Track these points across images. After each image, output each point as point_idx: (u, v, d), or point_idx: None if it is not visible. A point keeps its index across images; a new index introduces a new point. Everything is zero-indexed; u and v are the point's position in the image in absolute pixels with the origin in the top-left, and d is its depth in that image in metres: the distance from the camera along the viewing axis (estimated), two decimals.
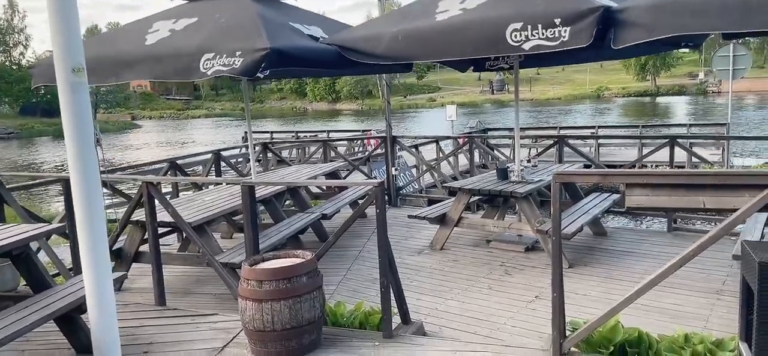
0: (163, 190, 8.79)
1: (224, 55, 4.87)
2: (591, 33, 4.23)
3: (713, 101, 59.69)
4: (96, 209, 3.13)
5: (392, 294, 3.99)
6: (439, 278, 5.73)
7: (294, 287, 3.55)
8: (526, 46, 4.55)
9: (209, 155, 8.59)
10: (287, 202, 8.37)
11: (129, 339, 4.04)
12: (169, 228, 5.78)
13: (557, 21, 4.36)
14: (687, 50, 5.85)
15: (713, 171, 2.98)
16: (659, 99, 66.88)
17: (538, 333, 4.33)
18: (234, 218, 7.08)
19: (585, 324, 3.64)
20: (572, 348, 3.48)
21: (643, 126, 19.38)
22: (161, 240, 6.86)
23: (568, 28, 4.32)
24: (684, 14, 4.07)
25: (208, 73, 4.88)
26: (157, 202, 4.70)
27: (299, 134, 18.15)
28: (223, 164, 8.84)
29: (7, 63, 64.12)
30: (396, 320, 4.16)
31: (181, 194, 7.91)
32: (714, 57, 15.77)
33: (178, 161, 7.98)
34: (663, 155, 8.02)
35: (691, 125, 19.55)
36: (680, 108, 53.59)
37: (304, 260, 3.74)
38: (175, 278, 6.00)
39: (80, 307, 3.63)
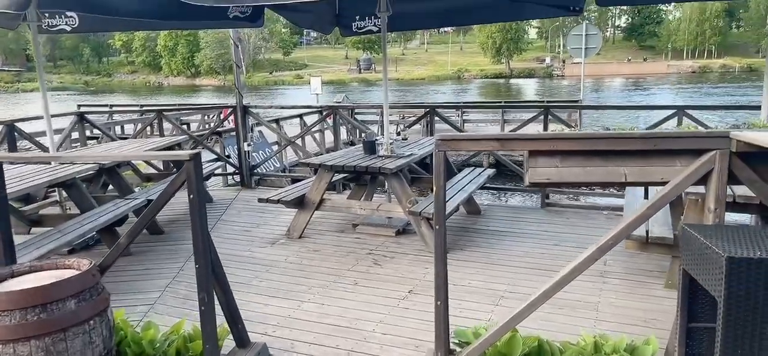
0: None
1: None
2: None
3: (559, 83, 65.01)
4: None
5: (223, 311, 2.89)
6: (295, 274, 4.69)
7: (54, 317, 2.29)
8: None
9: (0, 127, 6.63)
10: (110, 188, 6.77)
11: None
12: None
13: None
14: (574, 15, 5.42)
15: (641, 133, 2.26)
16: (513, 81, 71.31)
17: (414, 342, 3.48)
18: (25, 208, 5.42)
19: (474, 334, 2.83)
20: None
21: (504, 103, 19.87)
22: None
23: None
24: None
25: None
26: None
27: (143, 107, 15.89)
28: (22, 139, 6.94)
29: None
30: (229, 344, 3.06)
31: None
32: (569, 36, 16.38)
33: None
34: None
35: (549, 102, 20.37)
36: (532, 88, 57.51)
37: (76, 272, 2.48)
38: None
39: None
